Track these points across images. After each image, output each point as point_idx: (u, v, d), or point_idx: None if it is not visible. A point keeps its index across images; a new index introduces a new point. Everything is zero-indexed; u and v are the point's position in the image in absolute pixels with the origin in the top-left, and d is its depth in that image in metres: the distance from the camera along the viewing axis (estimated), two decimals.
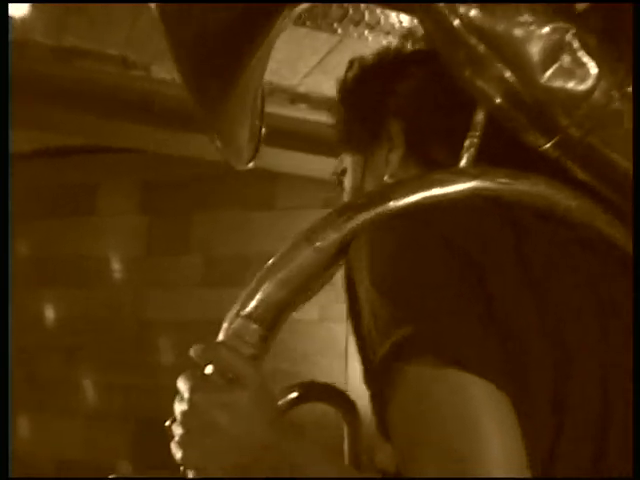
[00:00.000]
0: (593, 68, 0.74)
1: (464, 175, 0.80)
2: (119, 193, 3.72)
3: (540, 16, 0.74)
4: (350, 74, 1.00)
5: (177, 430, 0.78)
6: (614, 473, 0.71)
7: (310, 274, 0.79)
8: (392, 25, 2.22)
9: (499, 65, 0.75)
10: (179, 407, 0.78)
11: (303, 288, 0.80)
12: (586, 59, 0.74)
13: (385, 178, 0.93)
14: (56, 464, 3.57)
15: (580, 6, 0.77)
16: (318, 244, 0.78)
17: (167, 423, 0.80)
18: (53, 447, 3.60)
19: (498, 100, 0.78)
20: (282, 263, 0.79)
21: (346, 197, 1.01)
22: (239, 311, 0.80)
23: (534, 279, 0.73)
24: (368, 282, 0.72)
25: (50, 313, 3.69)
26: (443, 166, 0.84)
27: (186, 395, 0.77)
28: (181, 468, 0.79)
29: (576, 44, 0.74)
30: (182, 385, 0.78)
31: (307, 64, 2.53)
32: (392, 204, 0.77)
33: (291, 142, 2.79)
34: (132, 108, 2.70)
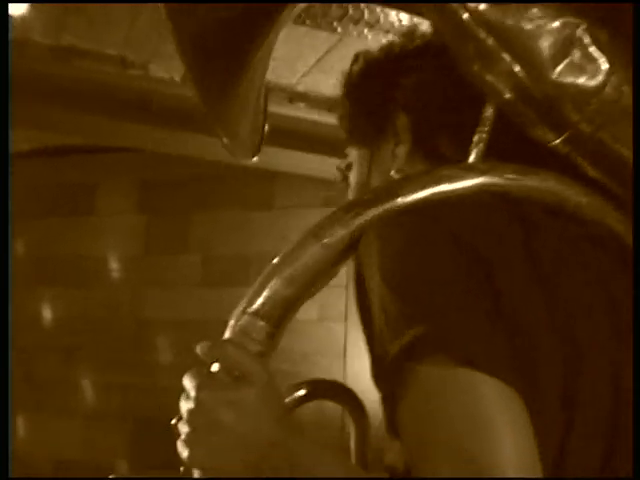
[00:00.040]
0: (604, 63, 0.74)
1: (473, 171, 0.79)
2: (118, 192, 3.72)
3: (550, 11, 0.73)
4: (355, 68, 1.00)
5: (183, 428, 0.76)
6: (624, 470, 0.71)
7: (318, 271, 0.79)
8: (392, 24, 2.22)
9: (508, 59, 0.74)
10: (185, 405, 0.76)
11: (310, 285, 0.80)
12: (597, 54, 0.73)
13: (392, 173, 0.93)
14: (54, 464, 3.56)
15: None
16: (326, 240, 0.77)
17: (173, 421, 0.79)
18: (51, 447, 3.59)
19: (507, 95, 0.77)
20: (289, 260, 0.79)
21: (351, 192, 1.00)
22: (246, 308, 0.79)
23: (543, 275, 0.73)
24: (379, 277, 0.71)
25: (48, 313, 3.69)
26: (451, 161, 0.84)
27: (192, 393, 0.75)
28: (181, 468, 0.78)
29: (587, 39, 0.73)
30: (188, 383, 0.77)
31: (306, 63, 2.52)
32: (400, 200, 0.76)
33: (290, 141, 2.79)
34: (130, 107, 2.70)
